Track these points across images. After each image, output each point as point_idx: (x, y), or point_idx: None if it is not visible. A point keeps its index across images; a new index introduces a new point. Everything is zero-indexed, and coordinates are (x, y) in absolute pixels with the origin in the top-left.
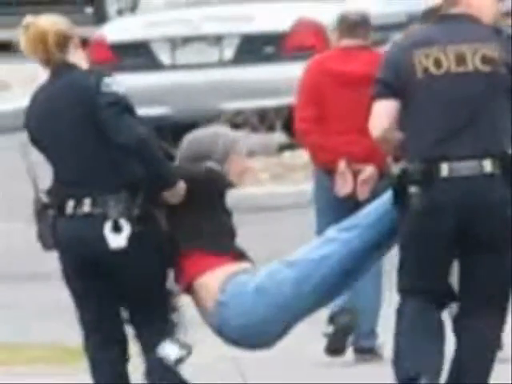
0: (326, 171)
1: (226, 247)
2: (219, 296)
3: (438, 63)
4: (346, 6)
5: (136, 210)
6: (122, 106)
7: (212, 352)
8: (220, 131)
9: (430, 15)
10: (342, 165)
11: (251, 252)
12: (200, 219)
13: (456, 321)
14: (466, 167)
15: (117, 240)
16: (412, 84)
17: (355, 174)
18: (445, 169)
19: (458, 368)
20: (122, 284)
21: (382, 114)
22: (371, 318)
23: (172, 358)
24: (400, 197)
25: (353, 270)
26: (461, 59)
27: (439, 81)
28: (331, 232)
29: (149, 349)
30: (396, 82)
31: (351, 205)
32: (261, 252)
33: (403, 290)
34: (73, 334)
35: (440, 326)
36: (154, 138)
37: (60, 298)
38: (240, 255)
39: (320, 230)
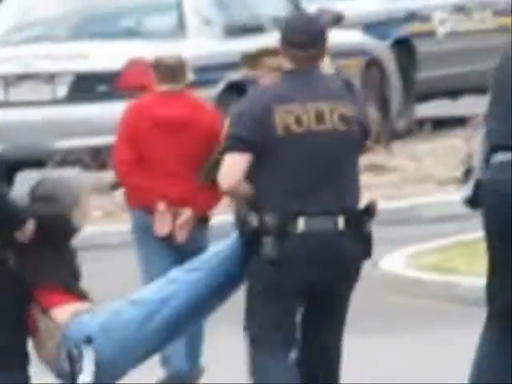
0: (145, 212)
1: (71, 287)
2: (64, 334)
3: (298, 121)
4: (180, 45)
5: None
6: None
7: None
8: (69, 174)
9: (254, 59)
10: (161, 206)
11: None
12: (48, 258)
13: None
14: (320, 223)
15: None
16: (272, 140)
17: (174, 216)
18: (300, 223)
19: None
20: None
21: (234, 168)
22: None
23: None
24: (253, 246)
25: (194, 312)
26: (320, 117)
27: (299, 138)
28: (175, 273)
29: None
30: (252, 137)
31: (169, 246)
32: (93, 290)
33: (253, 340)
34: None
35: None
36: None
37: None
38: (84, 295)
39: (141, 271)
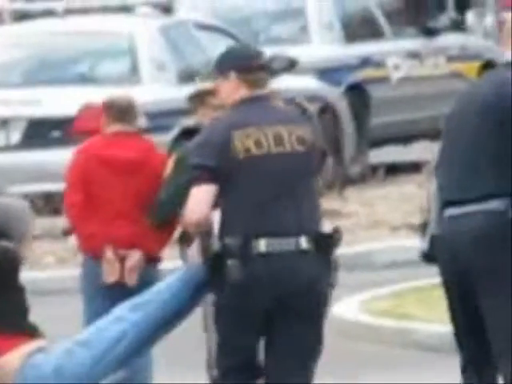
0: (93, 258)
1: (20, 326)
2: (18, 381)
3: (258, 144)
4: (133, 91)
5: None
6: None
7: None
8: (16, 204)
9: (199, 97)
10: (108, 252)
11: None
12: None
13: None
14: (282, 243)
15: None
16: (233, 164)
17: (122, 260)
18: (262, 244)
19: None
20: None
21: (202, 200)
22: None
23: None
24: (218, 271)
25: (145, 345)
26: (279, 140)
27: (260, 161)
28: (120, 311)
29: None
30: (216, 165)
31: (120, 291)
32: (46, 335)
33: (222, 367)
34: None
35: None
36: None
37: None
38: (34, 332)
39: (88, 318)
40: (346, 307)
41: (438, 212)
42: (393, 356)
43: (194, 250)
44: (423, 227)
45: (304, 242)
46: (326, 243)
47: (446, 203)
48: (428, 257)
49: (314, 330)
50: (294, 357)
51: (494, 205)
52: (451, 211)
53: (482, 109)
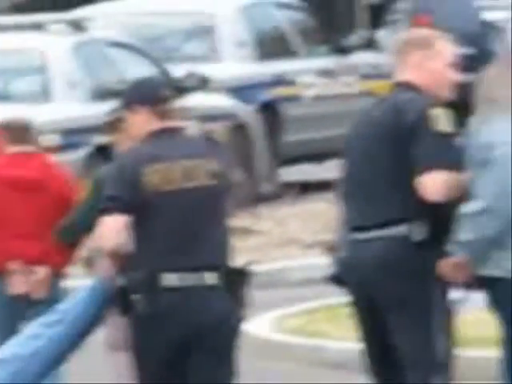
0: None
1: None
2: None
3: (167, 179)
4: (44, 109)
5: None
6: None
7: None
8: None
9: (113, 125)
10: (14, 265)
11: None
12: None
13: None
14: (189, 278)
15: None
16: (143, 199)
17: (29, 275)
18: (169, 279)
19: None
20: None
21: (112, 229)
22: None
23: None
24: (125, 305)
25: (58, 361)
26: (188, 175)
27: (169, 196)
28: (36, 327)
29: None
30: (125, 198)
31: (25, 305)
32: None
33: None
34: None
35: None
36: None
37: None
38: None
39: None
40: (259, 325)
41: (345, 235)
42: (304, 374)
43: (104, 268)
44: (331, 250)
45: (210, 278)
46: (236, 279)
47: (351, 228)
48: (336, 279)
49: (226, 364)
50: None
51: (396, 230)
52: (355, 235)
53: (381, 133)
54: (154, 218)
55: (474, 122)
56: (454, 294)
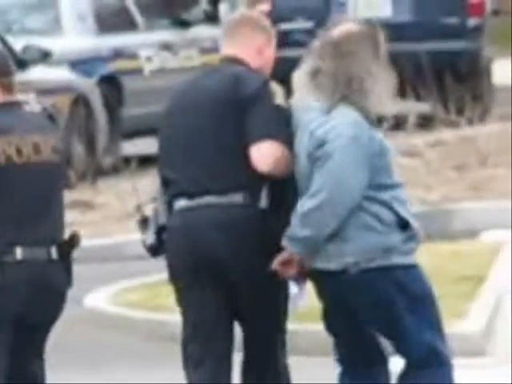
0: None
1: None
2: None
3: (19, 152)
4: None
5: None
6: None
7: None
8: None
9: None
10: None
11: None
12: None
13: None
14: (35, 252)
15: None
16: None
17: None
18: (17, 252)
19: None
20: None
21: None
22: None
23: None
24: None
25: None
26: (37, 149)
27: (20, 169)
28: None
29: None
30: None
31: None
32: None
33: None
34: None
35: None
36: None
37: None
38: None
39: None
40: (97, 299)
41: (167, 205)
42: (144, 347)
43: None
44: (143, 222)
45: (54, 252)
46: (68, 250)
47: (176, 195)
48: (155, 250)
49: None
50: (34, 354)
51: (234, 198)
52: (183, 203)
53: (218, 102)
54: (4, 190)
55: (300, 105)
56: (292, 289)
